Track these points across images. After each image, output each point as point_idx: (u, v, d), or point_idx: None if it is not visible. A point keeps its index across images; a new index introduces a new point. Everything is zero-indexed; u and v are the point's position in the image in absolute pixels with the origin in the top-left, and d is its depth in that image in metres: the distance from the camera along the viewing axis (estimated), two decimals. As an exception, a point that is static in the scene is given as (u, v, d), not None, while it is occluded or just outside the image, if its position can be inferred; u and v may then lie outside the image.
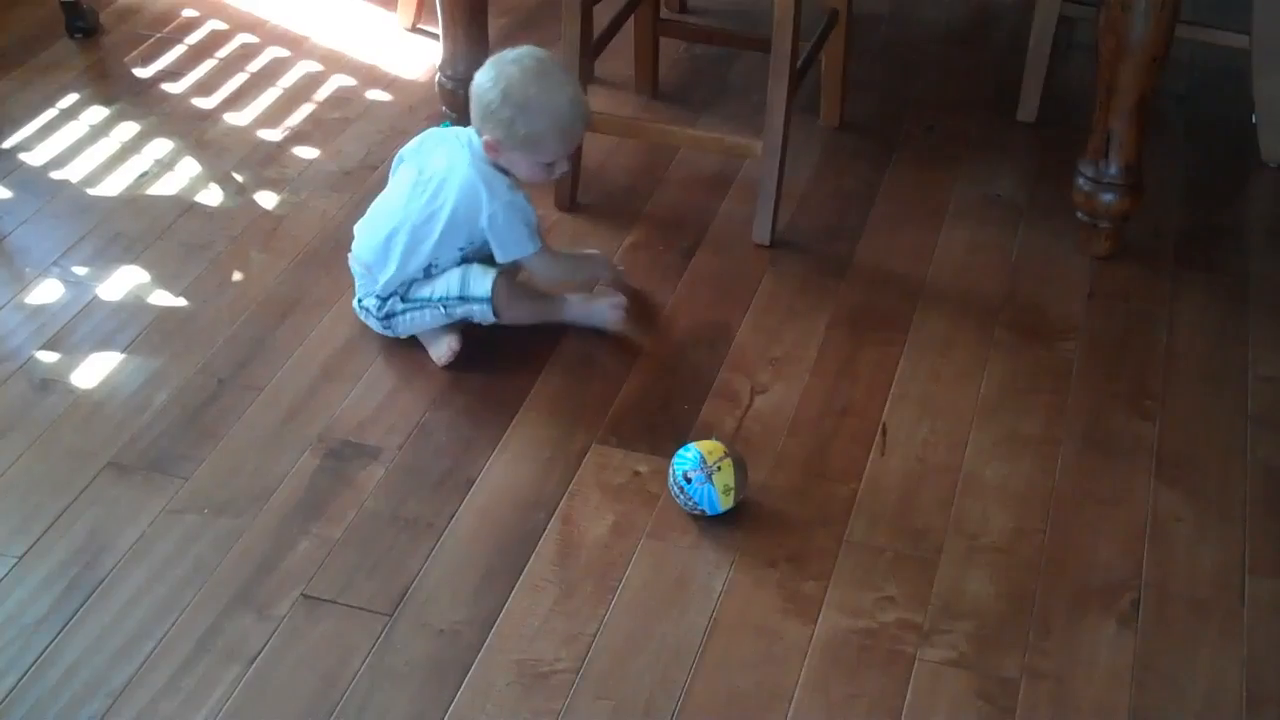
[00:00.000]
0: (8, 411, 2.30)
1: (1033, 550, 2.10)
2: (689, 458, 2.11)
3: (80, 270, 2.61)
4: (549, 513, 2.14)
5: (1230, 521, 2.16)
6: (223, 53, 3.30)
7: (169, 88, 3.16)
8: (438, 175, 2.34)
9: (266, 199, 2.81)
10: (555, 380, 2.39)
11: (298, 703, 1.86)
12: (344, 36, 3.37)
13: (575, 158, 2.69)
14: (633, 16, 3.00)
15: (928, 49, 3.40)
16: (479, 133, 2.32)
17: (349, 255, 2.45)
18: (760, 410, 2.34)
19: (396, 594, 2.00)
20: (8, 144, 2.95)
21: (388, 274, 2.36)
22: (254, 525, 2.10)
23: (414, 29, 3.41)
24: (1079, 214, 2.67)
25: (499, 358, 2.41)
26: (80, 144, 2.96)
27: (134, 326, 2.48)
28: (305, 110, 3.10)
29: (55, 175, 2.87)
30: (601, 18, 2.81)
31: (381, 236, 2.36)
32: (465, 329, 2.41)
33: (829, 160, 2.97)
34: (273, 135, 3.01)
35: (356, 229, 2.44)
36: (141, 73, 3.21)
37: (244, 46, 3.32)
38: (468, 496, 2.16)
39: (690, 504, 2.11)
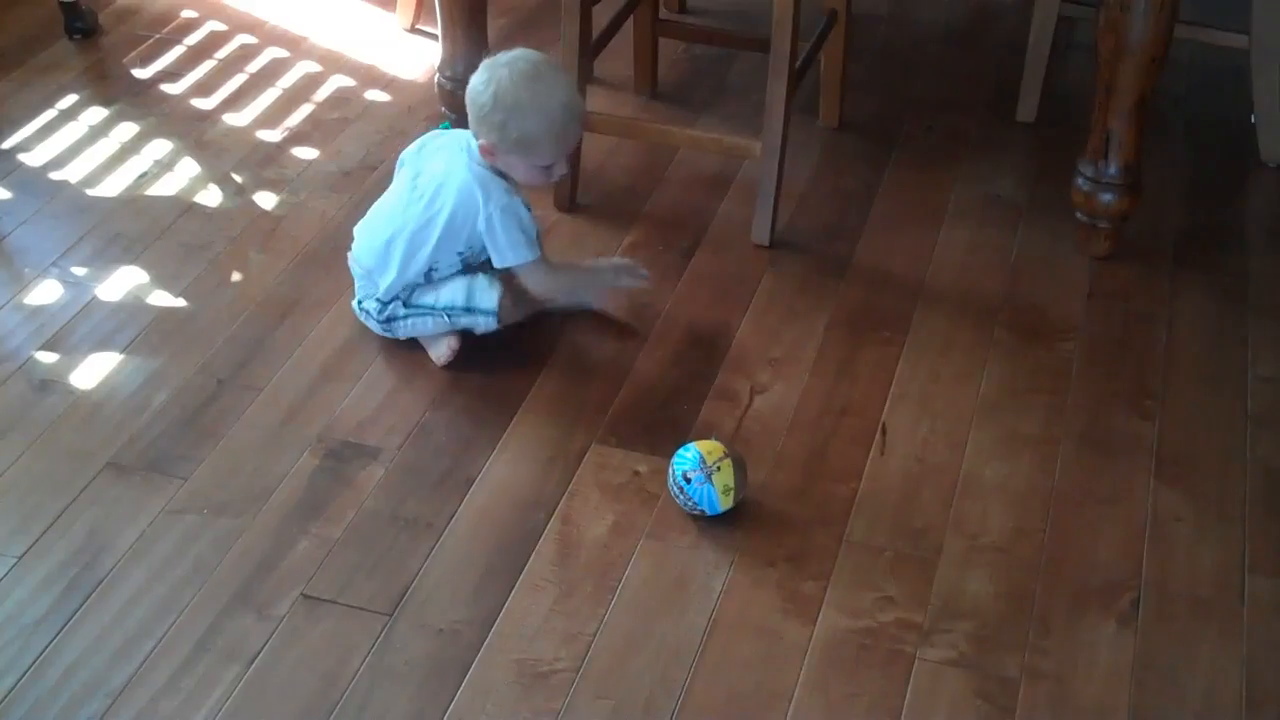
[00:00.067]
0: (7, 412, 2.29)
1: (1032, 550, 2.10)
2: (688, 458, 2.11)
3: (79, 271, 2.61)
4: (549, 512, 2.14)
5: (1230, 521, 2.16)
6: (222, 53, 3.30)
7: (168, 88, 3.16)
8: (435, 179, 2.34)
9: (266, 199, 2.81)
10: (555, 380, 2.39)
11: (297, 702, 1.86)
12: (343, 37, 3.37)
13: (574, 158, 2.69)
14: (632, 17, 3.00)
15: (927, 49, 3.40)
16: (476, 136, 2.32)
17: (348, 255, 2.45)
18: (760, 410, 2.34)
19: (396, 594, 2.00)
20: (7, 144, 2.95)
21: (388, 279, 2.36)
22: (253, 525, 2.10)
23: (413, 29, 3.41)
24: (1078, 214, 2.67)
25: (498, 358, 2.41)
26: (79, 144, 2.96)
27: (133, 327, 2.48)
28: (304, 111, 3.10)
29: (54, 176, 2.87)
30: (601, 18, 2.81)
31: (381, 241, 2.36)
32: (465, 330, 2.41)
33: (828, 160, 2.97)
34: (272, 136, 3.01)
35: (356, 231, 2.45)
36: (141, 73, 3.21)
37: (243, 47, 3.32)
38: (467, 496, 2.16)
39: (690, 504, 2.11)
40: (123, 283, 2.58)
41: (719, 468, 2.09)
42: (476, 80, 2.30)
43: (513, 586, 2.02)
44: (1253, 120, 3.00)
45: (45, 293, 2.55)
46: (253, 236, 2.71)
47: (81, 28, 3.30)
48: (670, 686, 1.89)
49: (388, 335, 2.42)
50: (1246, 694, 1.90)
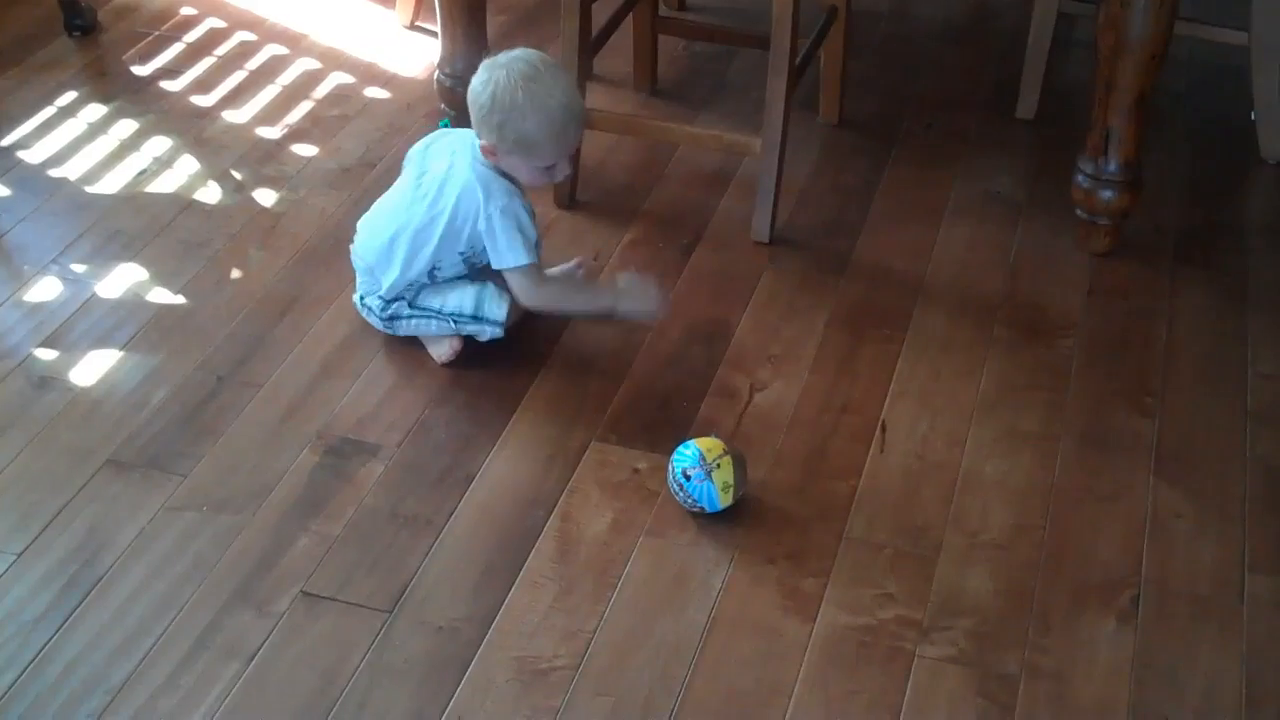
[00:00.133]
0: (6, 409, 2.29)
1: (1032, 547, 2.10)
2: (688, 455, 2.11)
3: (79, 268, 2.60)
4: (548, 510, 2.14)
5: (1230, 519, 2.16)
6: (221, 50, 3.30)
7: (167, 85, 3.16)
8: (439, 178, 2.34)
9: (265, 196, 2.81)
10: (554, 378, 2.39)
11: (297, 700, 1.86)
12: (342, 34, 3.37)
13: (574, 156, 2.69)
14: (631, 14, 3.00)
15: (927, 46, 3.40)
16: (478, 137, 2.31)
17: (350, 249, 2.45)
18: (759, 407, 2.34)
19: (396, 591, 2.00)
20: (6, 141, 2.95)
21: (391, 277, 2.36)
22: (253, 522, 2.10)
23: (412, 26, 3.40)
24: (1078, 211, 2.67)
25: (498, 355, 2.41)
26: (79, 142, 2.96)
27: (132, 324, 2.47)
28: (304, 108, 3.10)
29: (54, 173, 2.87)
30: (600, 15, 2.81)
31: (384, 239, 2.35)
32: (465, 327, 2.42)
33: (828, 157, 2.97)
34: (271, 133, 3.01)
35: (359, 225, 2.44)
36: (140, 70, 3.21)
37: (242, 44, 3.32)
38: (467, 493, 2.16)
39: (689, 501, 2.11)
40: (122, 280, 2.58)
41: (719, 465, 2.09)
42: (476, 81, 2.29)
43: (512, 584, 2.02)
44: (1253, 117, 3.00)
45: (44, 290, 2.55)
46: (252, 233, 2.70)
47: (81, 25, 3.30)
48: (670, 684, 1.89)
49: (388, 332, 2.42)
50: (1246, 691, 1.90)
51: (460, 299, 2.36)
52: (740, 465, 2.11)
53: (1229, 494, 2.20)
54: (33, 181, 2.84)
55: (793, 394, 2.36)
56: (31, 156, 2.91)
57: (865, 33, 3.34)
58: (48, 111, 3.05)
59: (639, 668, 1.91)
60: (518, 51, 2.30)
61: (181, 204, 2.78)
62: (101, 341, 2.43)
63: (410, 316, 2.38)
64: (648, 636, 1.95)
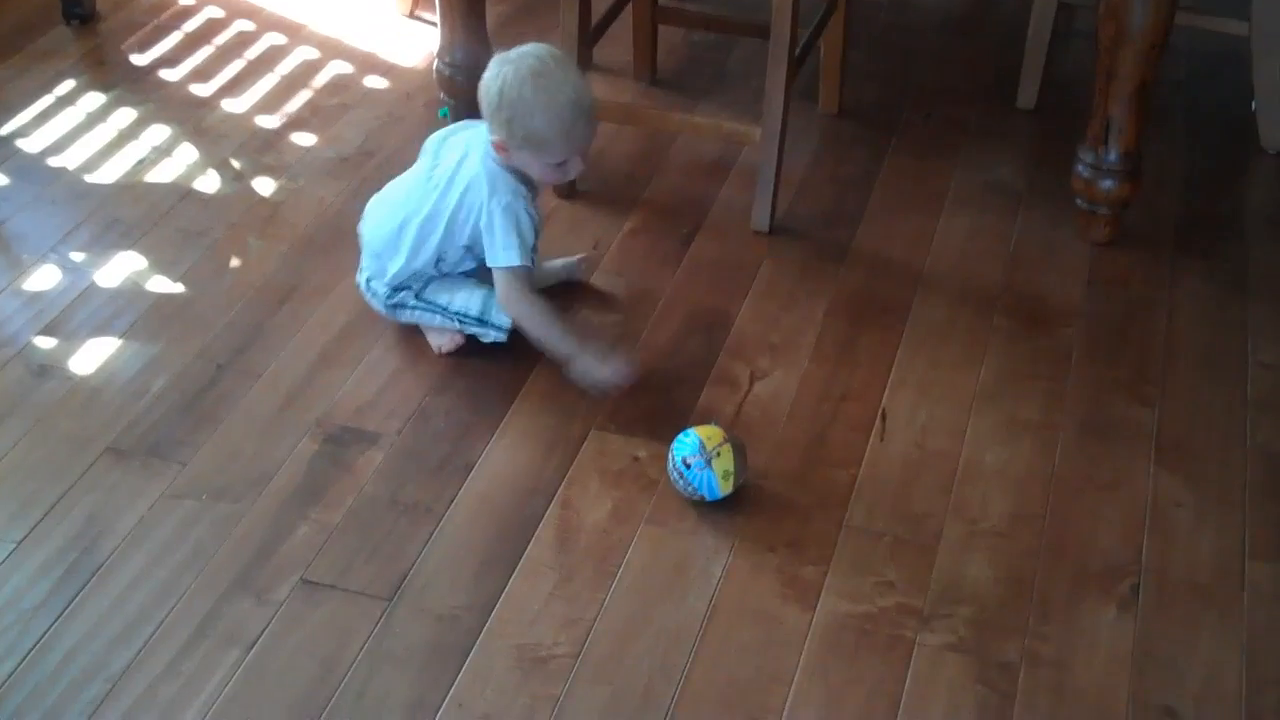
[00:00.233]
0: (5, 397, 2.29)
1: (1032, 535, 2.10)
2: (688, 443, 2.10)
3: (78, 256, 2.60)
4: (548, 498, 2.14)
5: (1230, 507, 2.16)
6: (220, 39, 3.29)
7: (166, 74, 3.15)
8: (449, 170, 2.32)
9: (264, 185, 2.81)
10: (554, 366, 2.37)
11: (297, 687, 1.85)
12: (341, 23, 3.36)
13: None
14: (631, 3, 3.00)
15: (927, 36, 3.39)
16: (490, 132, 2.30)
17: (359, 228, 2.43)
18: (759, 396, 2.33)
19: (395, 579, 2.00)
20: (4, 131, 2.95)
21: (397, 264, 2.35)
22: (252, 510, 2.10)
23: (411, 15, 3.40)
24: (1078, 200, 2.67)
25: (498, 343, 2.41)
26: (77, 130, 2.95)
27: (131, 312, 2.47)
28: (303, 97, 3.09)
29: (52, 162, 2.86)
30: (600, 4, 2.81)
31: (393, 226, 2.34)
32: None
33: (828, 147, 2.97)
34: (270, 122, 3.00)
35: (369, 207, 2.42)
36: (138, 59, 3.20)
37: (241, 33, 3.32)
38: (467, 481, 2.16)
39: (689, 489, 2.10)
40: (121, 268, 2.57)
41: (719, 453, 2.08)
42: (486, 76, 2.26)
43: (512, 572, 2.02)
44: (1253, 107, 3.00)
45: (44, 278, 2.55)
46: (251, 222, 2.70)
47: (79, 13, 3.29)
48: (670, 672, 1.89)
49: (390, 318, 2.41)
50: (1246, 679, 1.90)
51: (468, 300, 2.36)
52: (740, 453, 2.11)
53: (1229, 482, 2.20)
54: (31, 170, 2.83)
55: (793, 383, 2.36)
56: (30, 145, 2.91)
57: (865, 22, 3.33)
58: (46, 100, 3.05)
59: (639, 656, 1.91)
60: (529, 46, 2.27)
61: (180, 193, 2.78)
62: (101, 330, 2.43)
63: (415, 308, 2.38)
64: (648, 624, 1.95)
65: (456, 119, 2.77)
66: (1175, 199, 2.84)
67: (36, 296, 2.50)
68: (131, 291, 2.52)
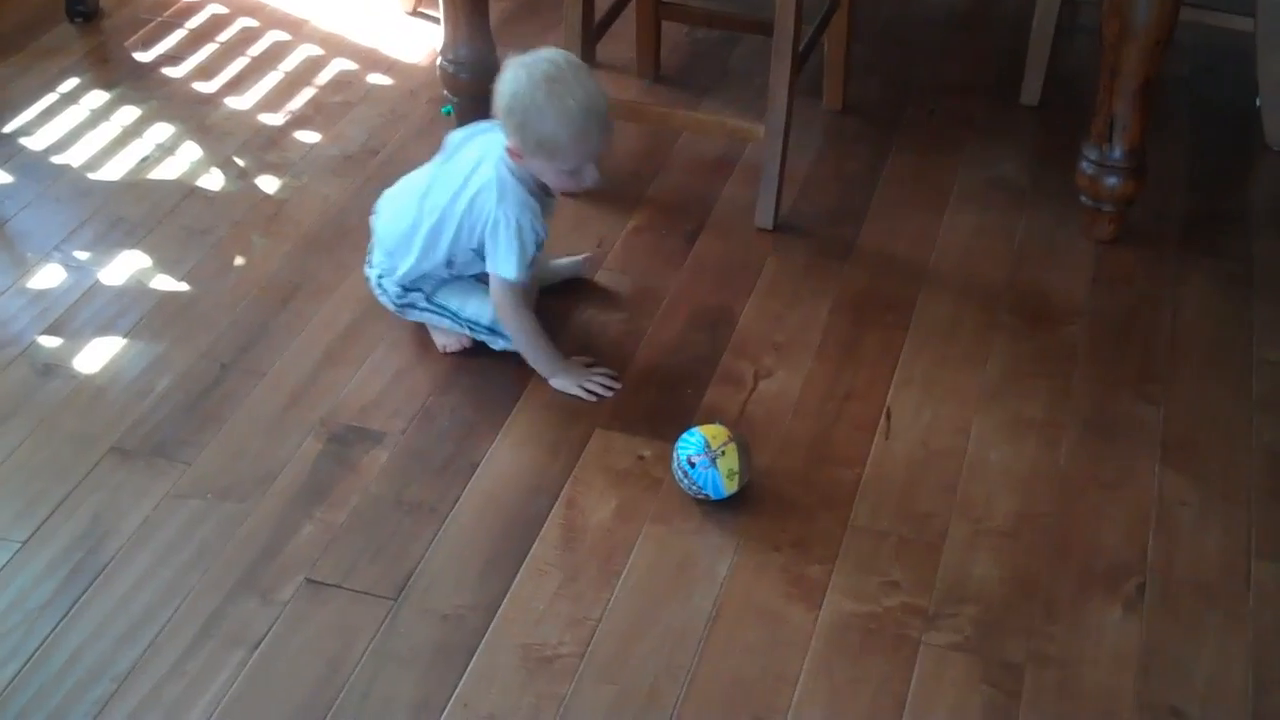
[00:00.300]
0: (10, 397, 2.29)
1: (1037, 534, 2.10)
2: (693, 442, 2.10)
3: (82, 255, 2.60)
4: (553, 497, 2.14)
5: (1235, 505, 2.16)
6: (223, 37, 3.29)
7: (170, 72, 3.15)
8: (464, 173, 2.30)
9: (268, 183, 2.81)
10: (558, 365, 2.38)
11: (302, 688, 1.86)
12: (345, 20, 3.36)
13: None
14: (634, 0, 2.99)
15: (930, 32, 3.39)
16: (505, 137, 2.28)
17: (372, 221, 2.41)
18: (764, 394, 2.33)
19: (400, 579, 2.00)
20: (8, 129, 2.94)
21: (407, 264, 2.34)
22: (257, 510, 2.10)
23: (415, 12, 3.40)
24: (1083, 198, 2.67)
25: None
26: (81, 128, 2.95)
27: (136, 311, 2.47)
28: (306, 94, 3.09)
29: (56, 160, 2.86)
30: (603, 1, 2.80)
31: (405, 225, 2.32)
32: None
33: (832, 144, 2.97)
34: (274, 119, 3.00)
35: (383, 201, 2.41)
36: (142, 57, 3.20)
37: (244, 30, 3.31)
38: (471, 481, 2.16)
39: (694, 488, 2.10)
40: (125, 267, 2.57)
41: (723, 452, 2.08)
42: (500, 80, 2.24)
43: (517, 571, 2.02)
44: (1258, 104, 3.00)
45: (48, 277, 2.55)
46: (255, 220, 2.70)
47: (83, 11, 3.29)
48: (675, 671, 1.89)
49: (399, 315, 2.41)
50: (1253, 678, 1.90)
51: (479, 308, 2.35)
52: (745, 452, 2.11)
53: (1235, 481, 2.20)
54: (35, 168, 2.83)
55: (797, 381, 2.36)
56: (34, 143, 2.90)
57: (869, 18, 3.33)
58: (50, 98, 3.04)
59: (644, 655, 1.91)
60: (544, 51, 2.25)
61: (184, 191, 2.78)
62: (105, 329, 2.43)
63: (425, 310, 2.37)
64: (653, 624, 1.95)
65: (459, 116, 2.77)
66: (1180, 196, 2.84)
67: (41, 295, 2.50)
68: (136, 290, 2.52)
